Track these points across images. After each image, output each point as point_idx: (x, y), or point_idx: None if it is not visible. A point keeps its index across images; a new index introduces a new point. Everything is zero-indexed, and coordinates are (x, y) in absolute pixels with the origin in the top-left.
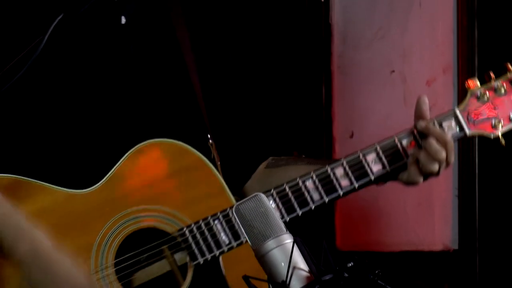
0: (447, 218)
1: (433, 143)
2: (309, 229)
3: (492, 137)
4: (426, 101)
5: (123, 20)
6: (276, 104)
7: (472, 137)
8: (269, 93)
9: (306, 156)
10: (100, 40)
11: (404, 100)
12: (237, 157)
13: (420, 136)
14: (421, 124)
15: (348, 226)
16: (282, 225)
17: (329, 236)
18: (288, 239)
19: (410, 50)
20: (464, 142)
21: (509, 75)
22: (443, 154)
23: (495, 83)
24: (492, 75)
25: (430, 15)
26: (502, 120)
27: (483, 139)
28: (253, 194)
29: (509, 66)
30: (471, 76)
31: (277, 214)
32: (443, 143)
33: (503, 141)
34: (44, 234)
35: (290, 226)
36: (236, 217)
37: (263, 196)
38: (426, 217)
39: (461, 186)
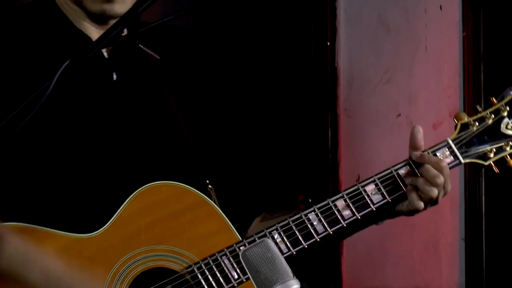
0: (454, 262)
1: (430, 168)
2: (316, 274)
3: (485, 164)
4: (420, 131)
5: (115, 77)
6: (282, 147)
7: (465, 164)
8: (275, 136)
9: (313, 200)
10: (92, 94)
11: None
12: (242, 203)
13: (415, 165)
14: (416, 154)
15: (354, 270)
16: (289, 271)
17: (335, 281)
18: (295, 285)
19: (416, 93)
20: (470, 184)
21: (494, 107)
22: (441, 179)
23: (483, 114)
24: (479, 108)
25: (436, 58)
26: (495, 148)
27: (489, 181)
28: (260, 240)
29: (493, 99)
30: None
31: (283, 260)
32: (440, 169)
33: (496, 169)
34: (54, 255)
35: (296, 271)
36: (243, 262)
37: (270, 241)
38: (433, 261)
39: (468, 229)
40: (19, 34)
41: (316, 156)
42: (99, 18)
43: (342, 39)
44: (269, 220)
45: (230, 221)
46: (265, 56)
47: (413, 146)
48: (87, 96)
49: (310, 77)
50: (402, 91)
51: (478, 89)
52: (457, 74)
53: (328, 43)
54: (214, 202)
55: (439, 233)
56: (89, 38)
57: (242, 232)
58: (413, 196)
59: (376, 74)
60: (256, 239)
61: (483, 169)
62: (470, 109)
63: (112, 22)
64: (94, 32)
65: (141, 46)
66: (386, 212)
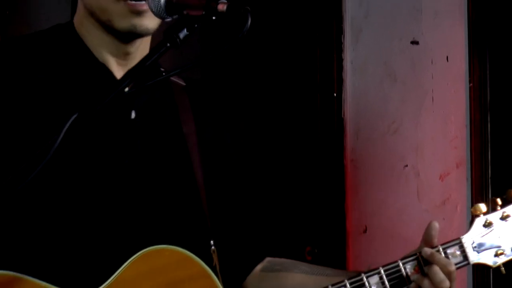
0: None
1: (438, 272)
2: None
3: (493, 267)
4: (436, 227)
5: (133, 115)
6: (290, 198)
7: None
8: (283, 186)
9: (319, 251)
10: (110, 135)
11: (417, 194)
12: (246, 257)
13: (424, 262)
14: (427, 252)
15: None
16: None
17: None
18: None
19: (423, 144)
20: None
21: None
22: (446, 284)
23: (501, 211)
24: (498, 202)
25: (443, 109)
26: (504, 250)
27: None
28: None
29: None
30: (485, 170)
31: None
32: (447, 273)
33: (503, 270)
34: None
35: None
36: None
37: None
38: None
39: None
40: (35, 65)
41: (323, 206)
42: (126, 37)
43: (348, 90)
44: (269, 273)
45: (231, 275)
46: (273, 108)
47: (426, 240)
48: (101, 138)
49: (317, 128)
50: (409, 141)
51: (485, 140)
52: (464, 124)
53: (335, 94)
54: (216, 266)
55: None
56: (110, 72)
57: (240, 277)
58: None
59: (382, 124)
60: None
61: (491, 270)
62: (477, 161)
63: (137, 42)
64: (115, 64)
65: (163, 72)
66: None
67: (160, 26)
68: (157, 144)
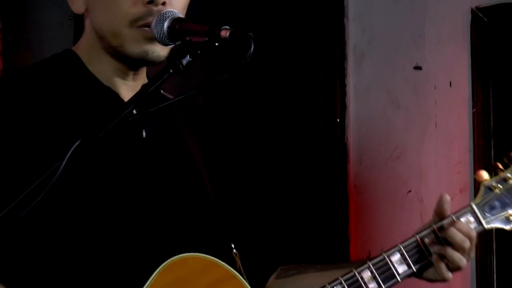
0: None
1: (455, 233)
2: None
3: (508, 229)
4: (448, 200)
5: (144, 134)
6: (292, 223)
7: (489, 230)
8: (285, 213)
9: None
10: (125, 156)
11: (421, 220)
12: (265, 263)
13: (440, 232)
14: (445, 223)
15: None
16: None
17: None
18: None
19: (427, 170)
20: (481, 260)
21: None
22: (467, 243)
23: (505, 174)
24: (500, 166)
25: (446, 135)
26: None
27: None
28: None
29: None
30: None
31: None
32: (469, 237)
33: None
34: None
35: None
36: None
37: None
38: None
39: None
40: (39, 94)
41: (327, 232)
42: (135, 63)
43: (351, 115)
44: (285, 279)
45: (253, 282)
46: (277, 134)
47: (439, 213)
48: (118, 159)
49: (320, 153)
50: (412, 167)
51: (488, 165)
52: (468, 150)
53: (338, 120)
54: (240, 268)
55: None
56: (116, 94)
57: (263, 278)
58: (441, 266)
59: (386, 150)
60: None
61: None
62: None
63: (143, 70)
64: (123, 86)
65: (164, 93)
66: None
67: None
68: (168, 160)
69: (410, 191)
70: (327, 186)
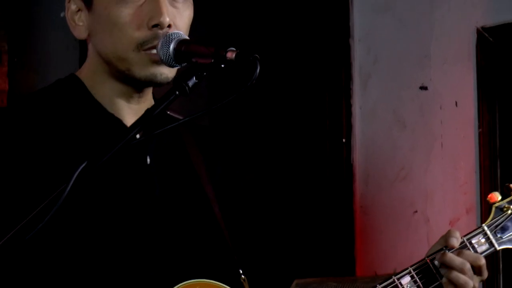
0: None
1: (459, 261)
2: None
3: None
4: (458, 236)
5: (148, 160)
6: (298, 244)
7: (499, 251)
8: (291, 234)
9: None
10: (129, 182)
11: (427, 240)
12: (275, 278)
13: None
14: (451, 253)
15: None
16: None
17: None
18: None
19: (433, 190)
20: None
21: None
22: (467, 266)
23: None
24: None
25: (452, 155)
26: None
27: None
28: None
29: None
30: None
31: None
32: (478, 268)
33: None
34: None
35: None
36: None
37: None
38: None
39: None
40: (44, 120)
41: (333, 252)
42: (143, 85)
43: (357, 136)
44: None
45: None
46: (283, 154)
47: (448, 242)
48: (122, 185)
49: (326, 174)
50: (418, 188)
51: (494, 185)
52: (474, 170)
53: (344, 140)
54: None
55: None
56: (119, 121)
57: None
58: None
59: (392, 171)
60: None
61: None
62: (486, 207)
63: (148, 92)
64: (127, 109)
65: (169, 113)
66: None
67: None
68: (174, 186)
69: (416, 211)
70: (333, 207)
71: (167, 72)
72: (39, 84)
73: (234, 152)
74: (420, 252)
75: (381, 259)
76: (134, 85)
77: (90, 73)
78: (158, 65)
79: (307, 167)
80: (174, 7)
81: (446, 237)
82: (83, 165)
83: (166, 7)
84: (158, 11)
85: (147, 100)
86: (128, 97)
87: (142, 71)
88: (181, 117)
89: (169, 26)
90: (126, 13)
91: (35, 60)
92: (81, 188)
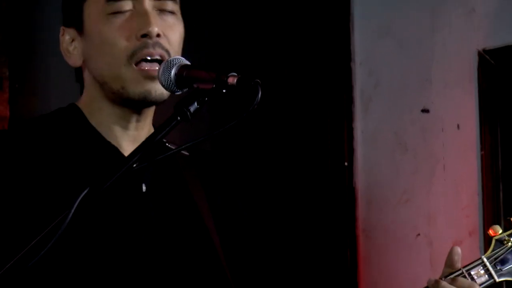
0: None
1: None
2: None
3: None
4: (459, 252)
5: (144, 188)
6: (300, 267)
7: (499, 283)
8: (293, 258)
9: None
10: (124, 210)
11: (430, 263)
12: None
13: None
14: (445, 282)
15: None
16: None
17: None
18: None
19: (435, 213)
20: None
21: None
22: None
23: None
24: None
25: (454, 178)
26: None
27: None
28: None
29: None
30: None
31: None
32: None
33: None
34: None
35: None
36: None
37: None
38: None
39: None
40: (43, 147)
41: (336, 277)
42: (138, 105)
43: (359, 159)
44: None
45: None
46: (285, 178)
47: (449, 265)
48: (117, 213)
49: (328, 197)
50: (421, 211)
51: (497, 208)
52: (476, 193)
53: (346, 164)
54: None
55: None
56: (116, 149)
57: None
58: None
59: (394, 194)
60: None
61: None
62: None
63: (145, 114)
64: (124, 136)
65: (168, 145)
66: None
67: (170, 98)
68: (170, 214)
69: (419, 234)
70: (335, 231)
71: (162, 88)
72: (41, 110)
73: (235, 182)
74: (423, 275)
75: (384, 282)
76: (131, 106)
77: (87, 101)
78: (151, 81)
79: (309, 190)
80: (163, 20)
81: (447, 259)
82: (85, 191)
83: (154, 18)
84: (147, 22)
85: (146, 127)
86: (125, 123)
87: (136, 88)
88: (175, 147)
89: (159, 35)
90: (115, 27)
91: (37, 86)
92: (82, 215)
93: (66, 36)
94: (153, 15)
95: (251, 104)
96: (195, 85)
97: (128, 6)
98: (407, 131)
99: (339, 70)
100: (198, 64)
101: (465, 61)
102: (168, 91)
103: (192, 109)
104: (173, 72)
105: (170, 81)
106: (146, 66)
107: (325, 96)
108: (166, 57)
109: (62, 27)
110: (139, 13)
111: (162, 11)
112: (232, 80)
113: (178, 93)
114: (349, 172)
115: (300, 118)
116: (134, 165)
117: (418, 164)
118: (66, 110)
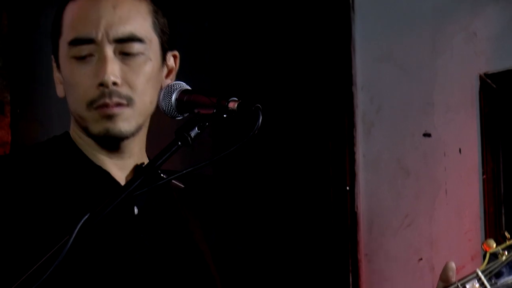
0: None
1: None
2: None
3: None
4: (453, 268)
5: (136, 211)
6: None
7: None
8: (295, 284)
9: None
10: (116, 233)
11: None
12: None
13: None
14: None
15: None
16: None
17: None
18: None
19: (438, 237)
20: None
21: None
22: None
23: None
24: (507, 235)
25: (457, 202)
26: None
27: None
28: None
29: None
30: None
31: None
32: None
33: None
34: None
35: None
36: None
37: None
38: None
39: None
40: (38, 175)
41: None
42: (107, 143)
43: (361, 183)
44: None
45: None
46: (286, 202)
47: (443, 280)
48: (109, 236)
49: (330, 221)
50: (423, 235)
51: (499, 232)
52: (478, 217)
53: (348, 188)
54: None
55: None
56: (107, 173)
57: None
58: None
59: (396, 218)
60: None
61: None
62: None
63: (124, 145)
64: (110, 165)
65: (164, 176)
66: None
67: (172, 123)
68: (163, 238)
69: (421, 259)
70: (337, 255)
71: (120, 126)
72: (42, 135)
73: (233, 212)
74: None
75: None
76: (98, 141)
77: (74, 130)
78: (109, 120)
79: (311, 215)
80: (126, 64)
81: (441, 274)
82: (85, 217)
83: (113, 65)
84: (103, 71)
85: (133, 156)
86: (107, 153)
87: (95, 127)
88: (181, 185)
89: (115, 84)
90: (77, 72)
91: (38, 111)
92: (79, 240)
93: (54, 65)
94: (112, 62)
95: (252, 129)
96: (196, 110)
97: (87, 51)
98: (409, 155)
99: (341, 94)
100: (199, 88)
101: (467, 85)
102: (169, 116)
103: (193, 134)
104: (173, 97)
105: (171, 106)
106: (105, 109)
107: (327, 121)
108: (125, 103)
109: (52, 56)
110: (99, 59)
111: (126, 54)
112: (233, 105)
113: (179, 118)
114: (351, 196)
115: (302, 142)
116: (134, 193)
117: (420, 188)
118: (60, 137)
